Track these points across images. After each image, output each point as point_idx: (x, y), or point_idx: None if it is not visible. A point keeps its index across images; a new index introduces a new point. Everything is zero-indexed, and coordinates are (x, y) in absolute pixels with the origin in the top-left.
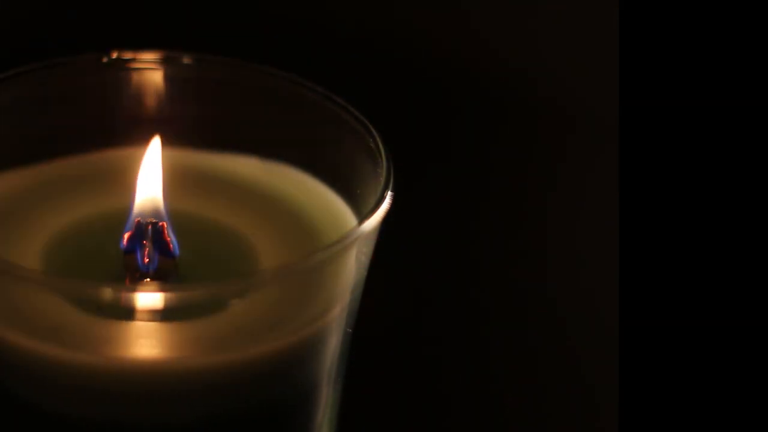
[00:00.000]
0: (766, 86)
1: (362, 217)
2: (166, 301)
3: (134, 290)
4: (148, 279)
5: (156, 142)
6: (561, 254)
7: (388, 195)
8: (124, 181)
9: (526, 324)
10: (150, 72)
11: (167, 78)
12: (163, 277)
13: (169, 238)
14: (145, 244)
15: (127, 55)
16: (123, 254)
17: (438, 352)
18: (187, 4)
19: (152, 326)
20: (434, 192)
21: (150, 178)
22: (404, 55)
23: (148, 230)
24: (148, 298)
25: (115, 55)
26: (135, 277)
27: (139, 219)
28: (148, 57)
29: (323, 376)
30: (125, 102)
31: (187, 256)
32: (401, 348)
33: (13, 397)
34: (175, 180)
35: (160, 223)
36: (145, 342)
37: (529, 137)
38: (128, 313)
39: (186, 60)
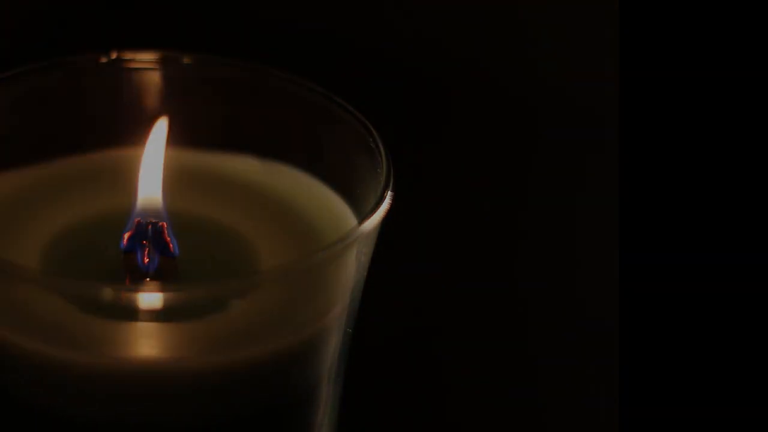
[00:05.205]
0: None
1: (362, 217)
2: (166, 301)
3: (134, 290)
4: (148, 279)
5: (155, 142)
6: (561, 254)
7: (388, 195)
8: (124, 181)
9: (526, 324)
10: (150, 72)
11: (167, 78)
12: (163, 277)
13: (169, 238)
14: (145, 244)
15: (127, 55)
16: (123, 254)
17: (438, 352)
18: (187, 4)
19: (152, 326)
20: (434, 192)
21: (150, 178)
22: (404, 55)
23: (148, 230)
24: (148, 298)
25: (115, 55)
26: (135, 277)
27: (139, 219)
28: (148, 57)
29: (323, 376)
30: (125, 102)
31: (187, 256)
32: (401, 348)
33: (13, 397)
34: (175, 180)
35: (160, 223)
36: (145, 342)
37: (529, 137)
38: (128, 313)
39: (186, 60)
